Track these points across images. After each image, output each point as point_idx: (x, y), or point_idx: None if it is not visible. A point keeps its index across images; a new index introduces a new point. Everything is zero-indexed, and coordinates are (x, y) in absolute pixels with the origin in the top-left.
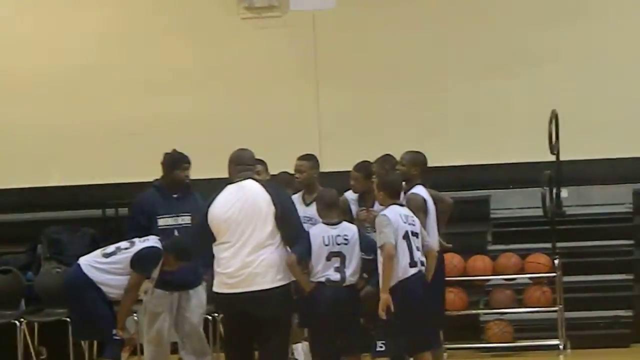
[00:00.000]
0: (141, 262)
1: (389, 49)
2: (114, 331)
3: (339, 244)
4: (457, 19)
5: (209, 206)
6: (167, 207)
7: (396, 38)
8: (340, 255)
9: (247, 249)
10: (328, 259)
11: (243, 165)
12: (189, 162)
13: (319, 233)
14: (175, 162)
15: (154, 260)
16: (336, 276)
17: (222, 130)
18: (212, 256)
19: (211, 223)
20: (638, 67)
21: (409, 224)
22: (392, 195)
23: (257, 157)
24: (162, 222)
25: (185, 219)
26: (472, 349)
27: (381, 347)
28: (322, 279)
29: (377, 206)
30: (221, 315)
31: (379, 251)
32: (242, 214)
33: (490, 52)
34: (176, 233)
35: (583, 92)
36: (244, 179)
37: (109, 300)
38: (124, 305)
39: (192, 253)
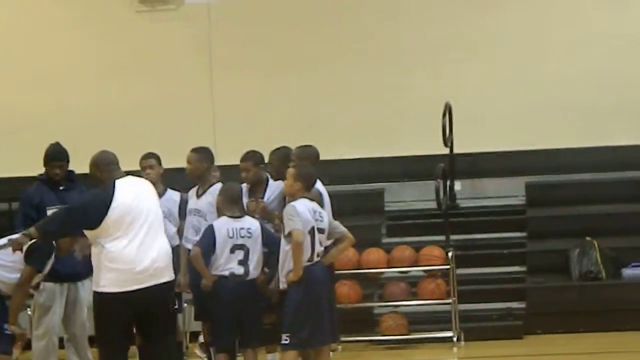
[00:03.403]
0: (35, 255)
1: (283, 41)
2: (5, 326)
3: (242, 237)
4: (352, 11)
5: (109, 201)
6: (55, 198)
7: (290, 30)
8: (243, 248)
9: (151, 242)
10: (232, 251)
11: (114, 164)
12: (60, 159)
13: (224, 225)
14: (46, 157)
15: (47, 253)
16: (240, 270)
17: (116, 123)
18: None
19: (112, 217)
20: (530, 59)
21: (316, 219)
22: (306, 188)
23: (152, 150)
24: None
25: None
26: (366, 342)
27: (286, 339)
28: (226, 273)
29: (266, 197)
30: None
31: (283, 241)
32: (138, 208)
33: (384, 44)
34: None
35: (476, 85)
36: (125, 176)
37: (0, 295)
38: (15, 300)
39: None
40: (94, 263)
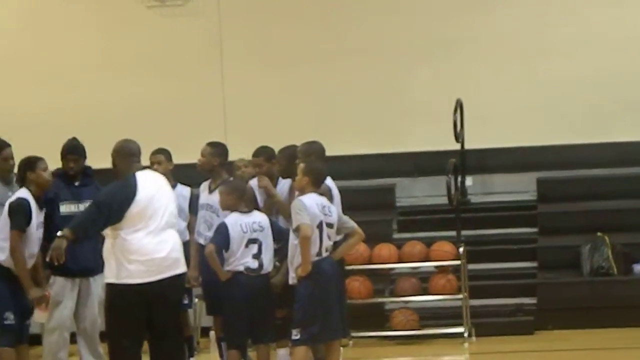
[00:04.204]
0: (15, 218)
1: (294, 36)
2: (5, 315)
3: (255, 231)
4: (363, 7)
5: (133, 193)
6: (69, 194)
7: (301, 25)
8: (257, 241)
9: (167, 235)
10: (246, 245)
11: (134, 156)
12: (75, 154)
13: (236, 221)
14: (62, 152)
15: (21, 211)
16: (254, 264)
17: (127, 119)
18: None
19: (135, 209)
20: (541, 56)
21: (325, 214)
22: (315, 183)
23: (162, 145)
24: (64, 208)
25: None
26: (377, 338)
27: (296, 335)
28: (240, 268)
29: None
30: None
31: (291, 235)
32: (160, 202)
33: (396, 40)
34: None
35: (487, 80)
36: (143, 169)
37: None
38: (18, 267)
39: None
40: (109, 256)
